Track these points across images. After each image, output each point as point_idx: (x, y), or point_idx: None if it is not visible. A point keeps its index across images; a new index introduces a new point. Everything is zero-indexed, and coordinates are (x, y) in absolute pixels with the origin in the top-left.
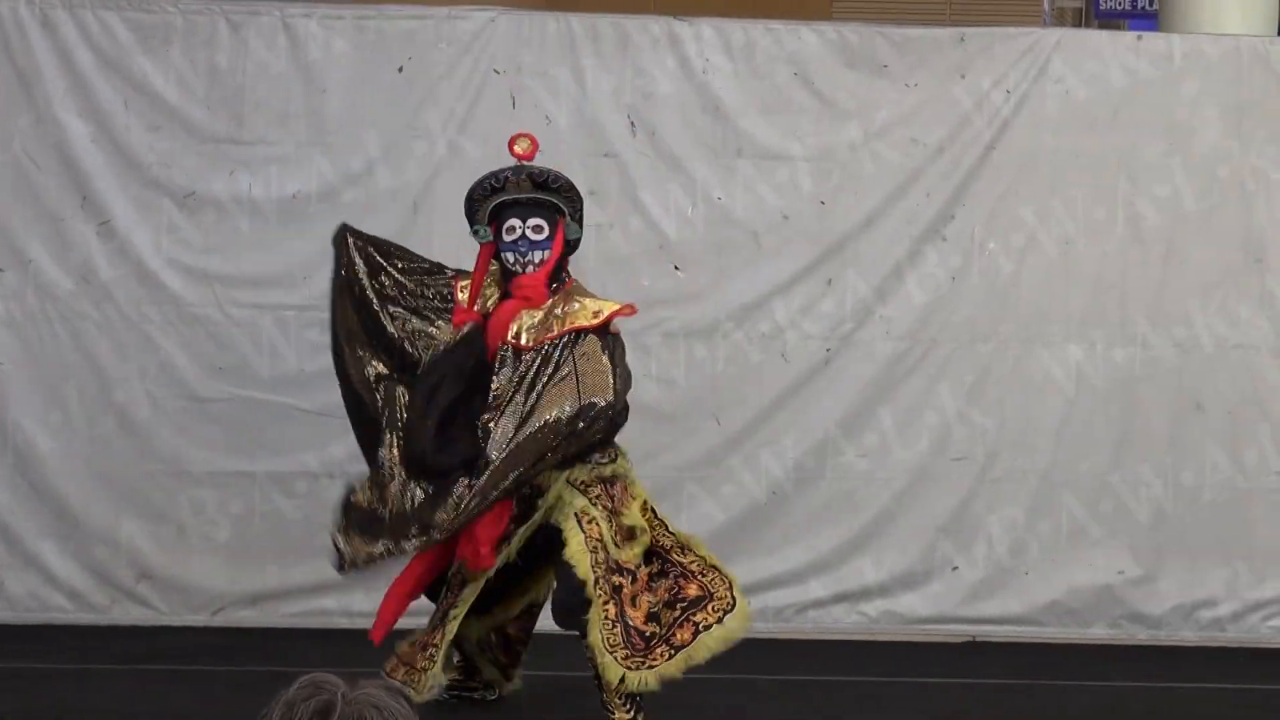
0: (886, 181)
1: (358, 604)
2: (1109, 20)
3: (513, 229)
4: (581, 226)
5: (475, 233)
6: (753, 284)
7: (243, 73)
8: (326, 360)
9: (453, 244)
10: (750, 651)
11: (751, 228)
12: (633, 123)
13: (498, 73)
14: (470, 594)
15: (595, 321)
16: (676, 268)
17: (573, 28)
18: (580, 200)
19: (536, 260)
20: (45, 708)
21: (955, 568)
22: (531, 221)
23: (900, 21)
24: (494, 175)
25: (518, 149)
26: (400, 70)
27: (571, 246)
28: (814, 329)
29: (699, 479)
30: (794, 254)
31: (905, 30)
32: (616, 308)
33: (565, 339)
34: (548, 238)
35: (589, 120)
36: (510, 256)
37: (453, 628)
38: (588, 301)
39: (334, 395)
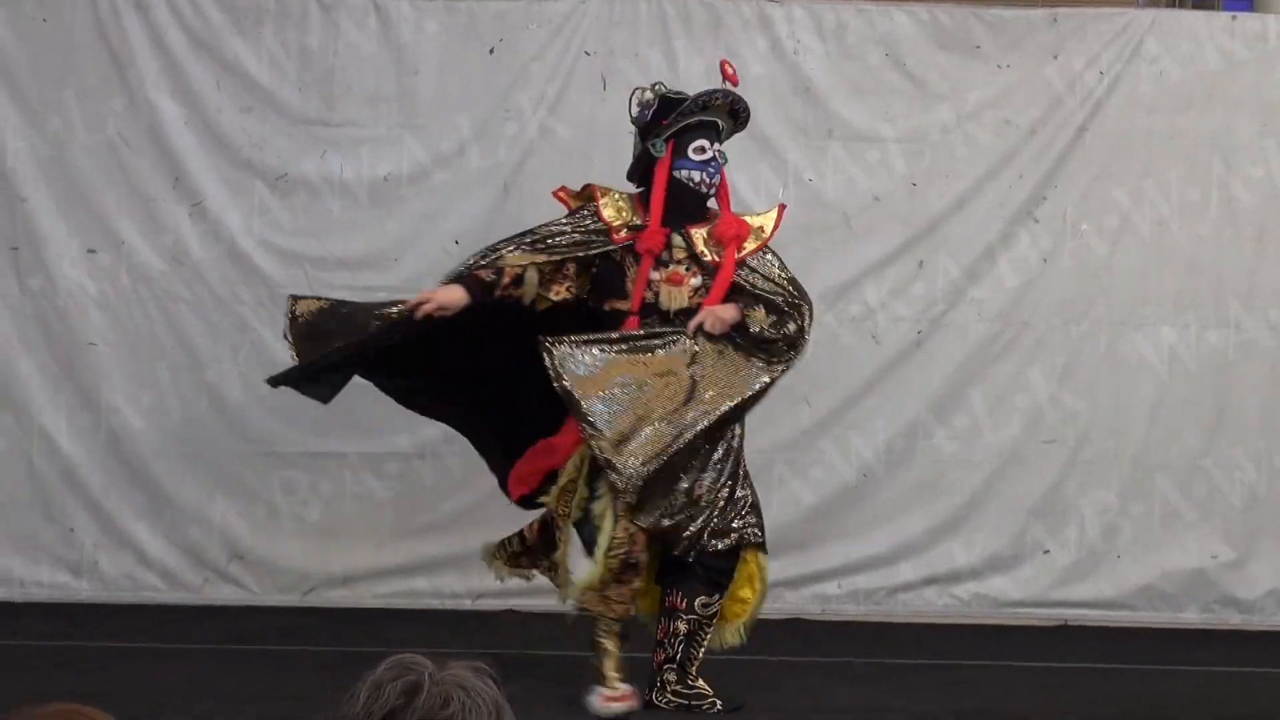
0: (978, 163)
1: (449, 584)
2: (1203, 1)
3: (702, 149)
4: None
5: (654, 146)
6: (843, 266)
7: (334, 54)
8: None
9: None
10: (840, 634)
11: (842, 209)
12: None
13: (589, 54)
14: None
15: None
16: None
17: (664, 9)
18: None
19: (717, 183)
20: (137, 687)
21: (1047, 551)
22: (718, 145)
23: (993, 2)
24: (710, 94)
25: (730, 71)
26: (491, 52)
27: None
28: (905, 311)
29: (789, 461)
30: (885, 236)
31: (998, 11)
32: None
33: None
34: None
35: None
36: (698, 176)
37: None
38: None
39: None
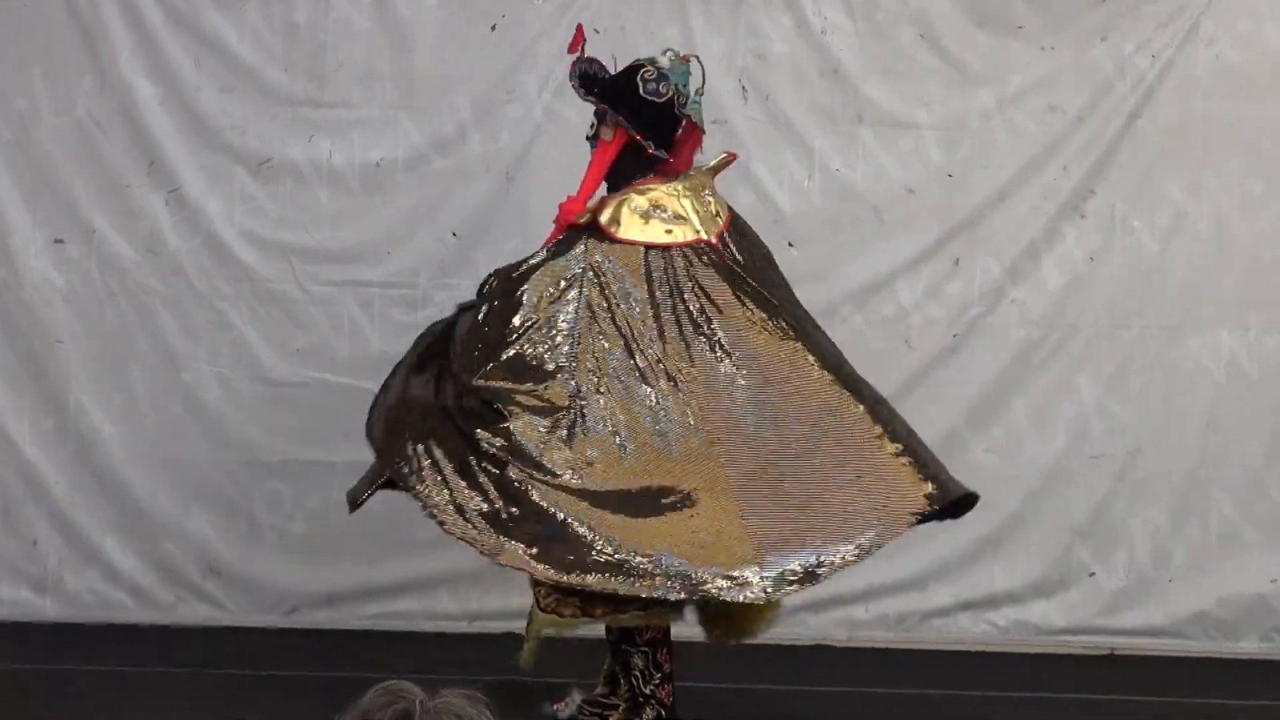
0: (1020, 153)
1: (443, 605)
2: None
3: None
4: (644, 130)
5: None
6: (874, 263)
7: (324, 30)
8: (410, 342)
9: (549, 215)
10: (867, 662)
11: (873, 201)
12: (745, 87)
13: (598, 32)
14: None
15: None
16: (791, 245)
17: None
18: (623, 100)
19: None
20: (106, 713)
21: (1093, 574)
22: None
23: None
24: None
25: (577, 42)
26: (494, 28)
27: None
28: (940, 313)
29: None
30: (919, 231)
31: None
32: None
33: None
34: (591, 138)
35: (695, 84)
36: None
37: None
38: None
39: None
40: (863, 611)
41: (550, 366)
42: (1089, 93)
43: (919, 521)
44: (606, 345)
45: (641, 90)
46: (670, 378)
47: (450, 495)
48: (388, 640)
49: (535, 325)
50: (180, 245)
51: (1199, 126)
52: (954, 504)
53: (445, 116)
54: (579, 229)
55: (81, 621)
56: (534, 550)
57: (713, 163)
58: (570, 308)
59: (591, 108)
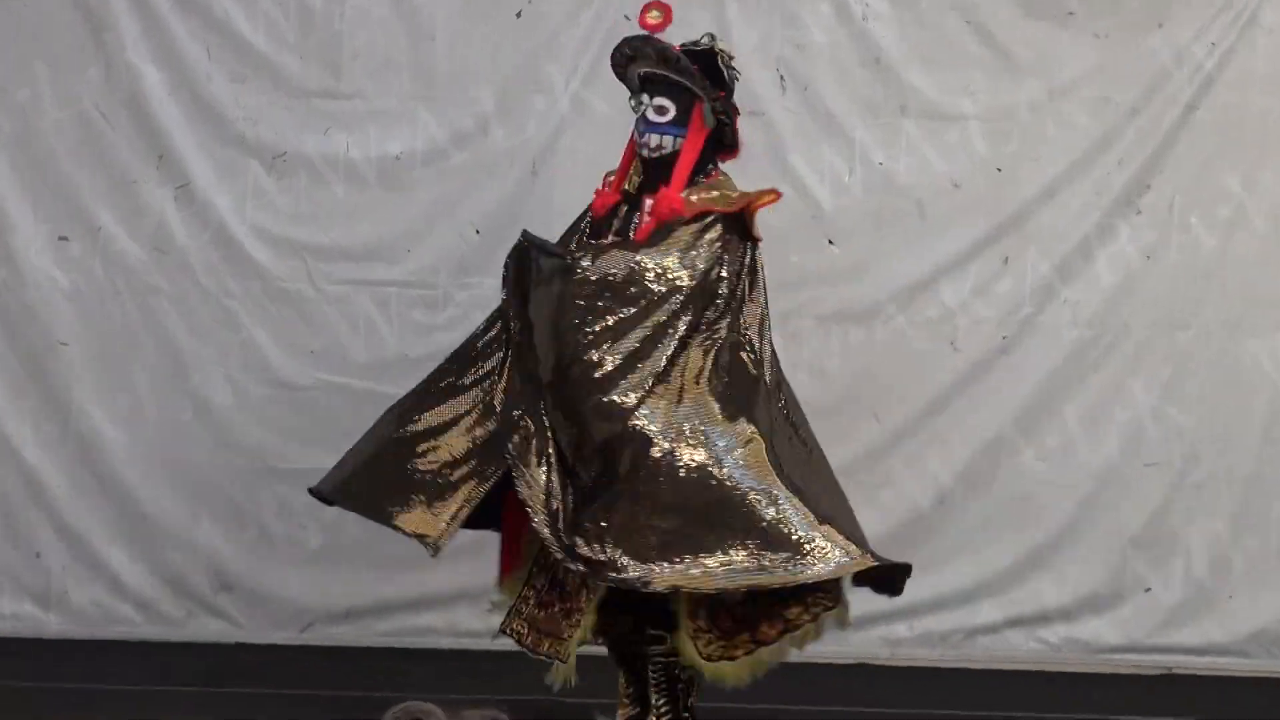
0: (1072, 146)
1: (465, 620)
2: None
3: (636, 106)
4: (723, 116)
5: (630, 101)
6: (917, 261)
7: (340, 17)
8: (431, 344)
9: (576, 211)
10: (911, 682)
11: (917, 196)
12: (782, 77)
13: (628, 18)
14: None
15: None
16: (830, 242)
17: None
18: (722, 84)
19: (652, 145)
20: None
21: (1148, 589)
22: (656, 100)
23: None
24: (625, 43)
25: (649, 19)
26: (518, 15)
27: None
28: (988, 313)
29: (855, 483)
30: (965, 227)
31: None
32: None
33: None
34: (673, 122)
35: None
36: (635, 136)
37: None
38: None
39: None
40: (905, 629)
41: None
42: (1144, 83)
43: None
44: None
45: (725, 76)
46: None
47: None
48: (407, 657)
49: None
50: (189, 242)
51: (1258, 118)
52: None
53: (466, 108)
54: (708, 220)
55: (86, 637)
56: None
57: (752, 191)
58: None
59: (599, 98)
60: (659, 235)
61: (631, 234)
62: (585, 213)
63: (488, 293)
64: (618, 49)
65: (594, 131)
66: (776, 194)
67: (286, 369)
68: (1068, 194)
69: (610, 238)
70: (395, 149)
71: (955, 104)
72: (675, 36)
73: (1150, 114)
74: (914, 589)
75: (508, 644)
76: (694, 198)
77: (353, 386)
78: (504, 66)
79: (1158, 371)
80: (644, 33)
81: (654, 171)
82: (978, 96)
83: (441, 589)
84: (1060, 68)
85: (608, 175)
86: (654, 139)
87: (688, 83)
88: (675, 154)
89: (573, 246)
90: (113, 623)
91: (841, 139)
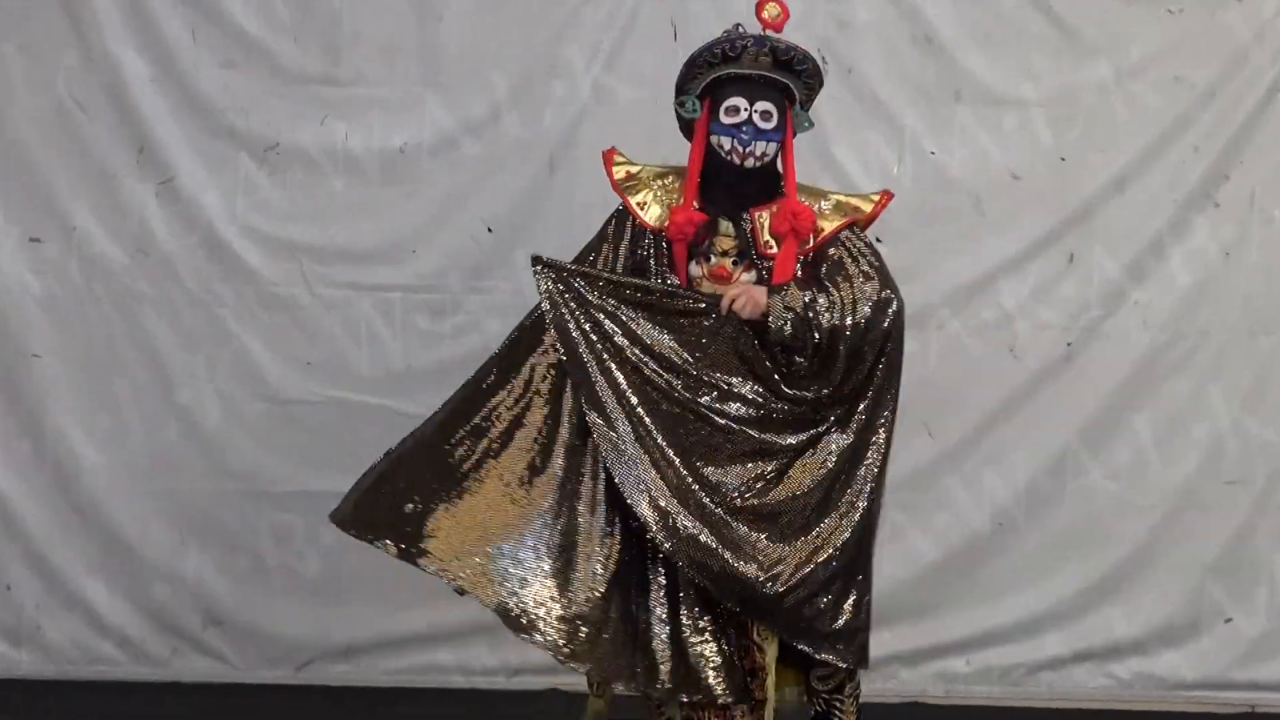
0: (1143, 132)
1: (478, 657)
2: None
3: (735, 109)
4: (810, 119)
5: (682, 105)
6: (974, 261)
7: None
8: (438, 354)
9: (598, 209)
10: None
11: (973, 189)
12: (824, 59)
13: None
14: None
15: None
16: (878, 239)
17: None
18: (820, 87)
19: (758, 153)
20: None
21: (1229, 619)
22: (760, 105)
23: None
24: (730, 40)
25: (766, 15)
26: None
27: None
28: (1051, 317)
29: (905, 505)
30: (1026, 223)
31: None
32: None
33: None
34: (776, 128)
35: None
36: (727, 143)
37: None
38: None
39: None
40: (963, 664)
41: None
42: (1221, 62)
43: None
44: None
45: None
46: None
47: None
48: (415, 698)
49: None
50: (173, 243)
51: None
52: None
53: (477, 95)
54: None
55: (62, 677)
56: None
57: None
58: None
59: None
60: (836, 267)
61: (753, 253)
62: (629, 227)
63: (500, 297)
64: (717, 46)
65: (616, 121)
66: (889, 194)
67: (281, 382)
68: (1138, 186)
69: (714, 259)
70: (399, 140)
71: (1014, 88)
72: (706, 18)
73: (1229, 96)
74: (972, 620)
75: (526, 681)
76: (816, 206)
77: (353, 401)
78: (518, 49)
79: (1238, 380)
80: (757, 32)
81: (742, 181)
82: (1039, 79)
83: (453, 623)
84: (1129, 46)
85: (619, 165)
86: (760, 146)
87: (795, 85)
88: (772, 162)
89: (668, 277)
90: (91, 662)
91: (890, 127)
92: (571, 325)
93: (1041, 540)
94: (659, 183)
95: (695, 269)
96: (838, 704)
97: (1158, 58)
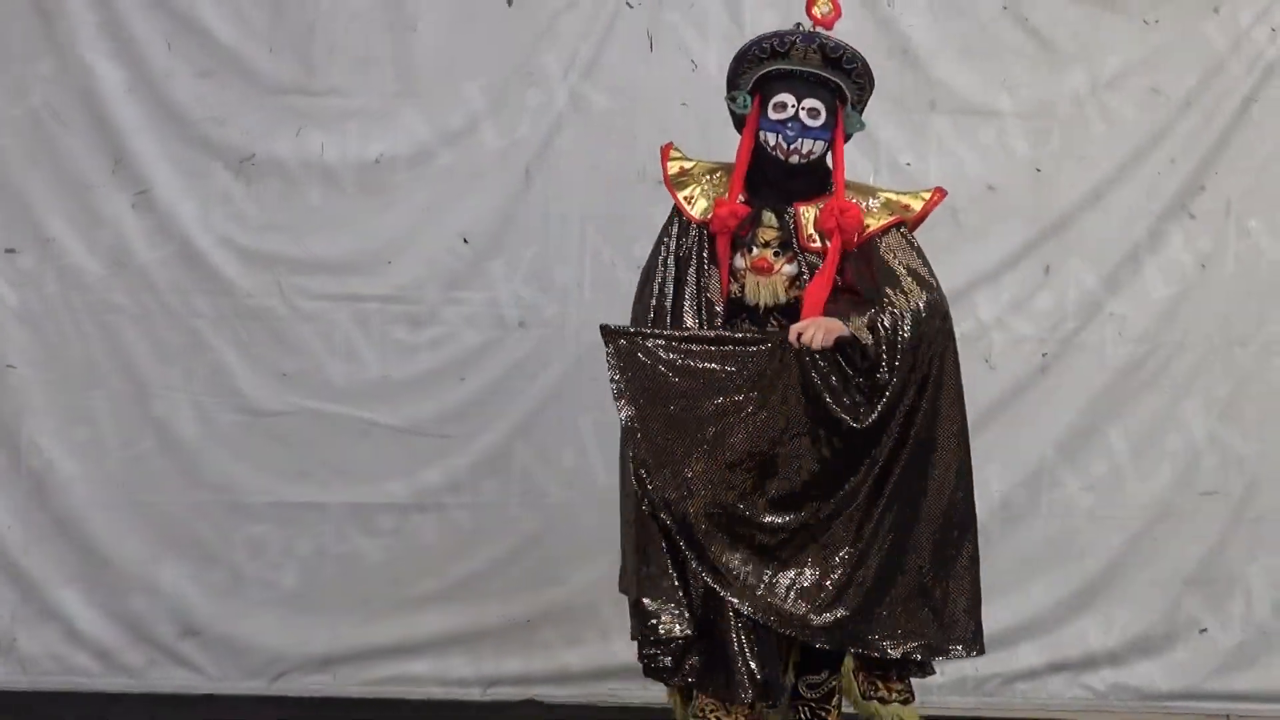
0: (1119, 144)
1: (455, 668)
2: None
3: (783, 105)
4: (862, 120)
5: (733, 99)
6: (950, 272)
7: (315, 6)
8: (415, 366)
9: (575, 220)
10: None
11: (949, 201)
12: None
13: (631, 5)
14: None
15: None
16: None
17: None
18: (871, 88)
19: (804, 150)
20: None
21: (1204, 630)
22: (808, 102)
23: None
24: (779, 36)
25: (816, 12)
26: (510, 2)
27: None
28: (1027, 329)
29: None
30: (1002, 234)
31: None
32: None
33: None
34: (824, 126)
35: None
36: (773, 139)
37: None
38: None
39: (426, 408)
40: (938, 675)
41: None
42: (1198, 74)
43: None
44: None
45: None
46: None
47: None
48: (391, 709)
49: None
50: (149, 255)
51: None
52: None
53: (454, 105)
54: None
55: (38, 689)
56: None
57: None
58: None
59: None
60: (887, 270)
61: (795, 244)
62: (677, 221)
63: (477, 308)
64: (765, 41)
65: (593, 130)
66: (942, 192)
67: (258, 393)
68: (1114, 197)
69: (755, 250)
70: (375, 151)
71: (990, 99)
72: (681, 27)
73: (1205, 107)
74: None
75: (503, 693)
76: (864, 204)
77: (330, 412)
78: (494, 59)
79: (1214, 392)
80: (806, 28)
81: (789, 178)
82: (1015, 90)
83: (429, 633)
84: (1106, 57)
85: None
86: (806, 144)
87: (846, 85)
88: (819, 160)
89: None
90: (67, 673)
91: (865, 137)
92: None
93: (1017, 551)
94: (708, 178)
95: (740, 260)
96: (823, 714)
97: (1134, 69)
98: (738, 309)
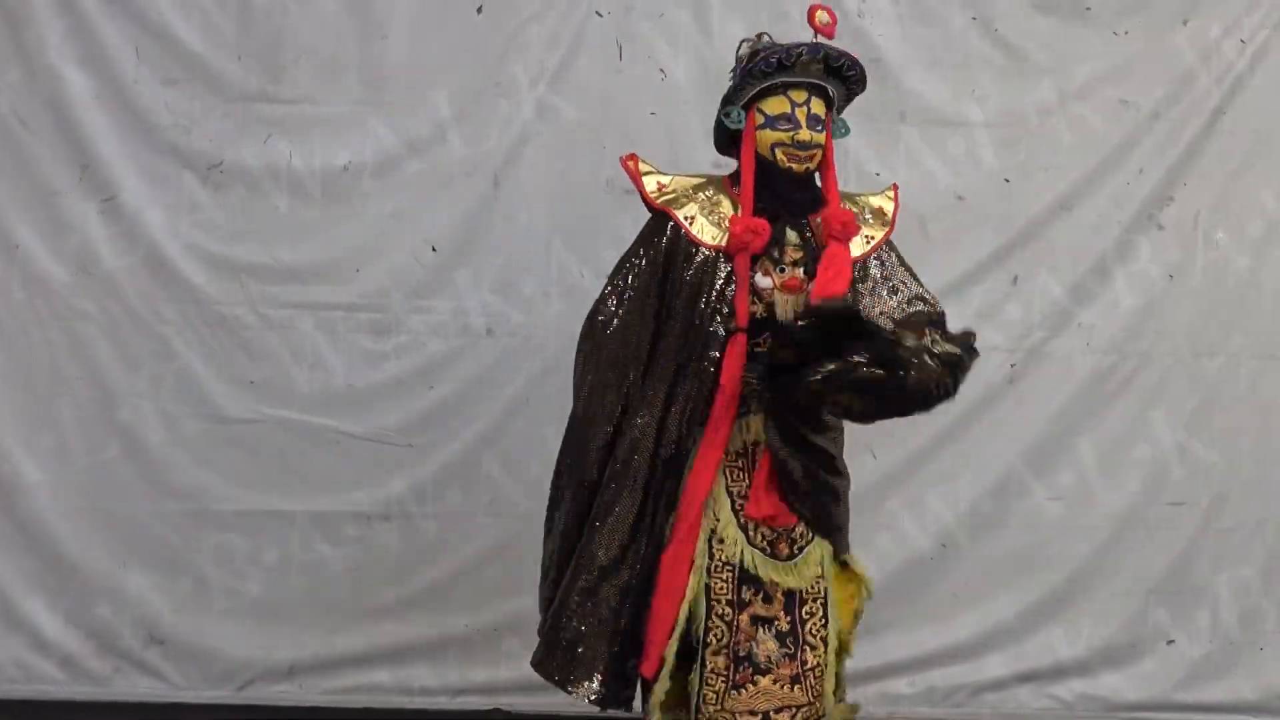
0: (1088, 154)
1: (420, 677)
2: None
3: (788, 116)
4: (846, 125)
5: (727, 115)
6: None
7: (282, 13)
8: (380, 374)
9: (543, 229)
10: None
11: (917, 211)
12: None
13: (600, 15)
14: None
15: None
16: None
17: None
18: (859, 93)
19: (804, 157)
20: None
21: (1171, 641)
22: (811, 111)
23: None
24: (786, 50)
25: (818, 21)
26: (479, 11)
27: None
28: (995, 339)
29: (850, 527)
30: (971, 245)
31: None
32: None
33: None
34: (821, 132)
35: (714, 76)
36: (780, 152)
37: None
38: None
39: (392, 417)
40: (906, 685)
41: None
42: (1167, 85)
43: None
44: None
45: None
46: None
47: None
48: (357, 718)
49: None
50: (116, 262)
51: None
52: None
53: (421, 114)
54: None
55: (3, 697)
56: None
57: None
58: None
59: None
60: (913, 303)
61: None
62: (669, 238)
63: (443, 317)
64: (773, 56)
65: (561, 140)
66: (896, 187)
67: (224, 401)
68: (1083, 208)
69: (786, 270)
70: (343, 159)
71: (959, 109)
72: (653, 38)
73: (1174, 119)
74: (915, 641)
75: (468, 702)
76: (859, 215)
77: (296, 421)
78: (462, 67)
79: (1182, 402)
80: (809, 39)
81: (793, 189)
82: (984, 101)
83: (394, 642)
84: (1075, 68)
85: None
86: (810, 152)
87: (838, 93)
88: (815, 168)
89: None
90: (32, 681)
91: (835, 147)
92: None
93: (985, 562)
94: (700, 195)
95: (763, 280)
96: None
97: (1103, 80)
98: (762, 327)
